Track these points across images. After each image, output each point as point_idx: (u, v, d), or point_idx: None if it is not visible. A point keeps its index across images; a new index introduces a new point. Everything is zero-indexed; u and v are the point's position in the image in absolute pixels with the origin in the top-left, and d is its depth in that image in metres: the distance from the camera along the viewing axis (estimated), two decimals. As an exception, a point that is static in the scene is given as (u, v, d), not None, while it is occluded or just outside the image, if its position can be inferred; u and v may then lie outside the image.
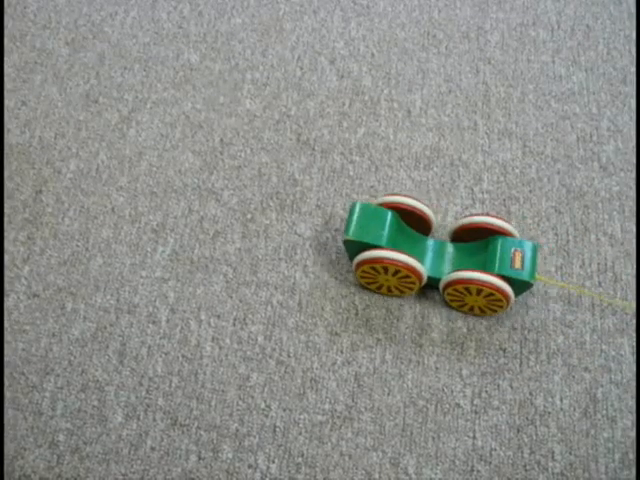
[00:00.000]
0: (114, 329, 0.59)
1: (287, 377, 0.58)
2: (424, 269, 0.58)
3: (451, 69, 0.76)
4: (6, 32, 0.76)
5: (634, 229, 0.67)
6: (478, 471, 0.55)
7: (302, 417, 0.57)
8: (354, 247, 0.59)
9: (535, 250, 0.59)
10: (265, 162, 0.69)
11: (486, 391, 0.58)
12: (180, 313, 0.60)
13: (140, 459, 0.54)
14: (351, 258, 0.60)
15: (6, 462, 0.54)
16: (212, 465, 0.54)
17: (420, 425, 0.57)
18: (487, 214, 0.61)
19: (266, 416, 0.56)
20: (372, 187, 0.68)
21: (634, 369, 0.60)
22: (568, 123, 0.73)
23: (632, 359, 0.60)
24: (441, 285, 0.59)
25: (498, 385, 0.59)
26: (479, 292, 0.57)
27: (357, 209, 0.60)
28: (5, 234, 0.63)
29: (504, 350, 0.60)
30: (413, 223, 0.62)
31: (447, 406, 0.58)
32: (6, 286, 0.61)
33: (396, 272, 0.57)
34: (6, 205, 0.65)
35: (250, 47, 0.77)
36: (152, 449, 0.55)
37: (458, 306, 0.61)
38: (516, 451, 0.56)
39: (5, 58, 0.74)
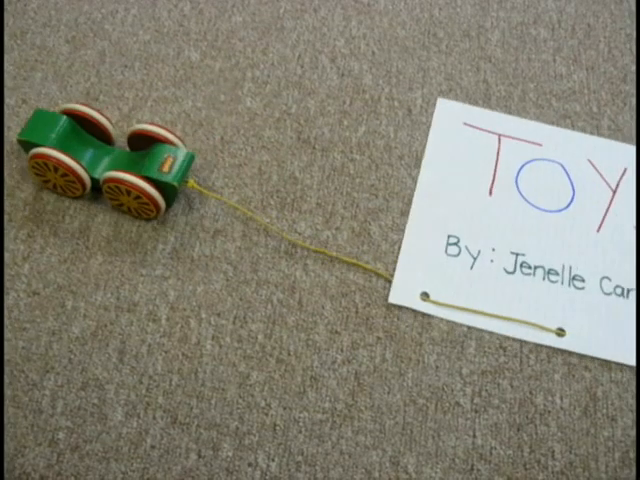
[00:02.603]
0: (114, 327, 0.59)
1: (287, 375, 0.58)
2: (84, 170, 0.61)
3: (452, 67, 0.76)
4: (6, 30, 0.76)
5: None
6: (478, 470, 0.55)
7: (302, 415, 0.57)
8: (27, 148, 0.63)
9: (190, 158, 0.63)
10: (265, 160, 0.69)
11: (486, 390, 0.58)
12: (180, 311, 0.60)
13: (140, 457, 0.54)
14: None
15: (6, 460, 0.54)
16: (212, 463, 0.54)
17: (420, 424, 0.57)
18: (151, 123, 0.65)
19: (266, 414, 0.56)
20: (372, 185, 0.68)
21: (634, 368, 0.60)
22: (569, 122, 0.73)
23: (632, 358, 0.60)
24: (100, 183, 0.62)
25: (498, 384, 0.59)
26: (129, 193, 0.60)
27: (35, 115, 0.64)
28: (5, 232, 0.63)
29: (504, 349, 0.60)
30: (95, 132, 0.65)
31: (447, 405, 0.58)
32: (6, 284, 0.61)
33: (56, 169, 0.61)
34: (6, 203, 0.65)
35: (251, 45, 0.77)
36: (152, 447, 0.55)
37: (117, 205, 0.63)
38: (516, 450, 0.56)
39: (5, 56, 0.74)
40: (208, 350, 0.59)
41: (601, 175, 0.69)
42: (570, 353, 0.60)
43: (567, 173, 0.68)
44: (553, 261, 0.64)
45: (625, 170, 0.69)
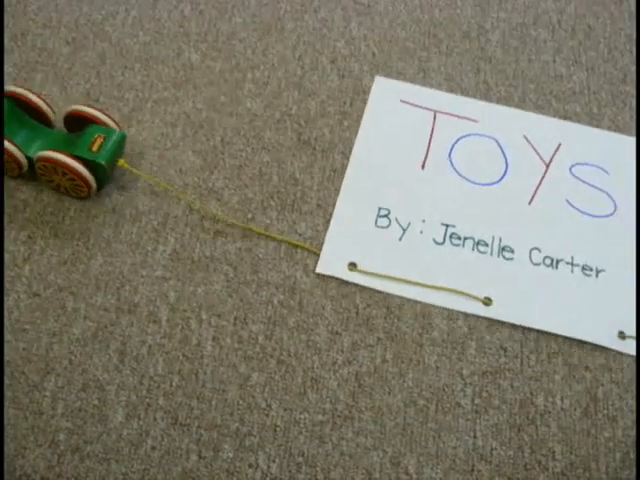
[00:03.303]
0: (114, 328, 0.59)
1: (288, 376, 0.58)
2: (17, 149, 0.62)
3: (452, 68, 0.76)
4: (7, 31, 0.76)
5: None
6: (479, 470, 0.55)
7: (303, 416, 0.57)
8: None
9: (121, 139, 0.64)
10: (266, 161, 0.69)
11: (487, 390, 0.58)
12: (181, 312, 0.60)
13: (141, 458, 0.54)
14: None
15: (6, 461, 0.54)
16: (212, 464, 0.54)
17: (421, 424, 0.57)
18: (85, 104, 0.65)
19: (267, 415, 0.56)
20: (373, 186, 0.68)
21: (634, 368, 0.60)
22: (569, 122, 0.73)
23: (632, 358, 0.60)
24: (34, 162, 0.63)
25: (499, 385, 0.59)
26: (61, 172, 0.61)
27: None
28: (6, 233, 0.63)
29: (505, 349, 0.60)
30: (36, 115, 0.66)
31: (448, 405, 0.58)
32: (7, 285, 0.61)
33: None
34: (7, 204, 0.65)
35: (251, 46, 0.77)
36: (153, 448, 0.55)
37: (53, 185, 0.64)
38: (517, 450, 0.56)
39: (5, 57, 0.74)
40: (209, 351, 0.59)
41: (535, 150, 0.70)
42: (570, 353, 0.60)
43: (501, 148, 0.70)
44: (483, 232, 0.65)
45: (559, 145, 0.71)
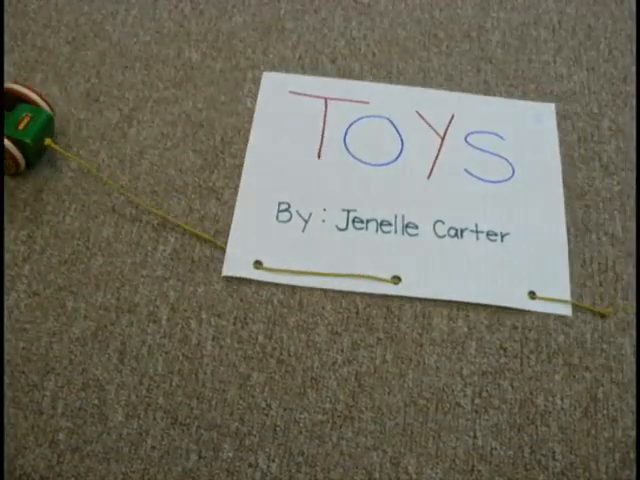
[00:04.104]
0: (114, 328, 0.59)
1: (287, 376, 0.58)
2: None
3: (452, 68, 0.76)
4: (7, 30, 0.76)
5: (635, 229, 0.67)
6: (479, 471, 0.55)
7: (302, 416, 0.57)
8: None
9: (48, 119, 0.65)
10: (266, 161, 0.69)
11: (487, 390, 0.58)
12: (180, 312, 0.60)
13: (140, 458, 0.54)
14: None
15: (6, 461, 0.54)
16: (212, 464, 0.54)
17: (420, 425, 0.57)
18: (16, 82, 0.67)
19: (266, 415, 0.56)
20: (373, 186, 0.68)
21: (634, 369, 0.60)
22: (569, 122, 0.73)
23: (633, 359, 0.60)
24: None
25: (499, 385, 0.59)
26: None
27: None
28: (6, 233, 0.63)
29: (505, 349, 0.60)
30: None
31: (448, 405, 0.58)
32: (7, 285, 0.61)
33: None
34: (7, 203, 0.65)
35: (251, 46, 0.77)
36: (152, 448, 0.55)
37: None
38: (517, 450, 0.56)
39: (6, 57, 0.74)
40: (208, 351, 0.59)
41: (429, 124, 0.70)
42: (570, 353, 0.60)
43: (395, 126, 0.70)
44: (385, 212, 0.65)
45: (453, 116, 0.71)
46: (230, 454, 0.55)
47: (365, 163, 0.68)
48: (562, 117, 0.73)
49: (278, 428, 0.56)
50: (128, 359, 0.58)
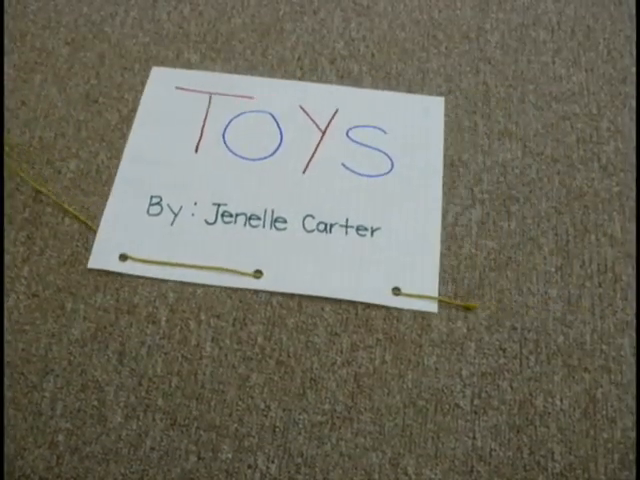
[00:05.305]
0: (114, 329, 0.59)
1: (287, 377, 0.58)
2: None
3: (451, 69, 0.76)
4: (6, 32, 0.76)
5: (634, 229, 0.67)
6: (478, 471, 0.55)
7: (302, 417, 0.57)
8: None
9: None
10: (265, 162, 0.69)
11: (486, 391, 0.58)
12: (180, 313, 0.60)
13: (140, 459, 0.54)
14: None
15: (6, 462, 0.54)
16: (212, 465, 0.54)
17: (420, 425, 0.57)
18: None
19: (265, 416, 0.56)
20: (372, 187, 0.68)
21: (634, 369, 0.60)
22: (568, 123, 0.73)
23: (632, 360, 0.60)
24: None
25: (498, 385, 0.59)
26: None
27: None
28: (5, 234, 0.63)
29: (504, 350, 0.60)
30: None
31: (447, 406, 0.58)
32: (6, 286, 0.61)
33: None
34: (6, 205, 0.65)
35: (250, 47, 0.77)
36: (152, 449, 0.55)
37: None
38: (516, 451, 0.56)
39: (5, 58, 0.74)
40: (208, 352, 0.59)
41: (312, 119, 0.70)
42: (570, 354, 0.60)
43: (277, 121, 0.70)
44: (255, 207, 0.65)
45: (337, 111, 0.71)
46: (229, 455, 0.55)
47: (242, 158, 0.68)
48: (561, 118, 0.73)
49: (277, 429, 0.56)
50: (127, 360, 0.58)
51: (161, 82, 0.73)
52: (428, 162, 0.69)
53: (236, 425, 0.56)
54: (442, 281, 0.63)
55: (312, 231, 0.64)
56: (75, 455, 0.54)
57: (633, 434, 0.57)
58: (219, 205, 0.65)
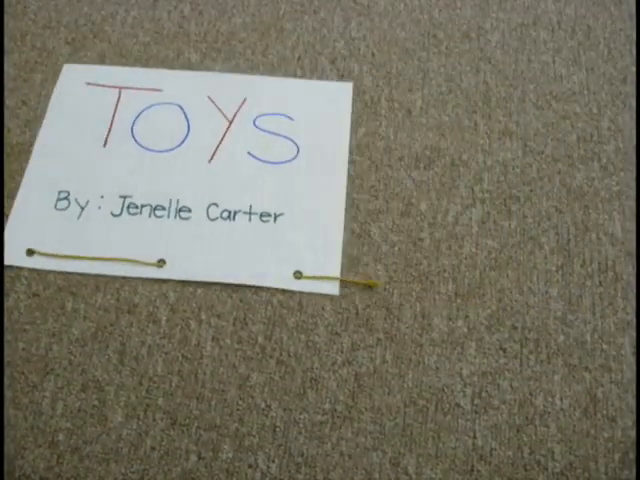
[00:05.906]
0: (114, 329, 0.59)
1: (287, 377, 0.58)
2: None
3: (451, 69, 0.76)
4: (6, 31, 0.76)
5: (634, 228, 0.67)
6: (478, 471, 0.55)
7: (302, 417, 0.57)
8: None
9: None
10: (265, 162, 0.69)
11: (486, 391, 0.58)
12: (180, 313, 0.60)
13: (140, 459, 0.54)
14: None
15: (6, 461, 0.54)
16: (212, 465, 0.54)
17: (420, 425, 0.57)
18: None
19: (266, 416, 0.56)
20: (372, 187, 0.68)
21: (634, 369, 0.60)
22: (568, 123, 0.73)
23: (632, 359, 0.60)
24: None
25: (498, 385, 0.59)
26: None
27: None
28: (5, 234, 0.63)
29: (504, 350, 0.60)
30: None
31: (447, 406, 0.58)
32: (7, 285, 0.61)
33: None
34: (6, 205, 0.65)
35: (250, 47, 0.77)
36: (152, 449, 0.55)
37: None
38: (516, 451, 0.56)
39: (5, 57, 0.74)
40: (208, 351, 0.59)
41: (219, 109, 0.71)
42: (570, 354, 0.60)
43: (185, 112, 0.71)
44: (160, 198, 0.66)
45: (244, 100, 0.72)
46: (230, 454, 0.55)
47: (149, 150, 0.68)
48: (561, 117, 0.73)
49: (278, 428, 0.56)
50: (128, 360, 0.58)
51: (72, 78, 0.73)
52: (334, 147, 0.70)
53: (236, 425, 0.56)
54: (444, 280, 0.63)
55: (215, 219, 0.65)
56: (75, 455, 0.54)
57: (633, 433, 0.57)
58: (125, 197, 0.66)
